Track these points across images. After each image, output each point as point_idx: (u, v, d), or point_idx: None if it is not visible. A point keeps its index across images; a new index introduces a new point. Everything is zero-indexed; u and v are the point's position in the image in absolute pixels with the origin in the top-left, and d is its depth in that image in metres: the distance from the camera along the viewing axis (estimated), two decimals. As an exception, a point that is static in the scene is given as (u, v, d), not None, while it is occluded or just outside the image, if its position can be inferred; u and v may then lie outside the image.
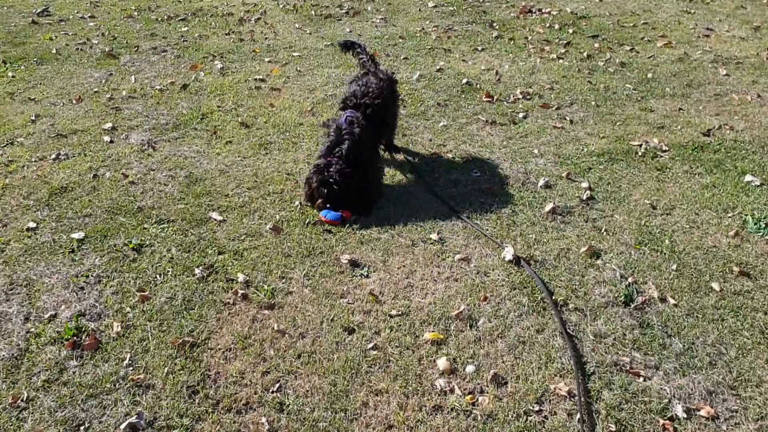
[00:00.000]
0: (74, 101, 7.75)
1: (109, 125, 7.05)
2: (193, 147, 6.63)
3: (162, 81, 8.32)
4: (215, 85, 8.18)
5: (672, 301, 4.33)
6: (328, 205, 5.38)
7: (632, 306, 4.26)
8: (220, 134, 6.90)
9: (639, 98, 7.76)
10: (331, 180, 5.27)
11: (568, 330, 4.02)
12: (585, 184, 5.85)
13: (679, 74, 8.48)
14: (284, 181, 5.94)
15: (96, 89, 8.08)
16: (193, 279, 4.53)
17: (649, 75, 8.41)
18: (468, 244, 5.00)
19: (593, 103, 7.55)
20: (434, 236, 5.09)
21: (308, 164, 6.01)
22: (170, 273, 4.61)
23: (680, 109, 7.47)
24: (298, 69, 8.75)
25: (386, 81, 6.04)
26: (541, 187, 5.85)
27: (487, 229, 5.16)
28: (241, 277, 4.54)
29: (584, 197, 5.60)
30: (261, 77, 8.45)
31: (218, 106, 7.54)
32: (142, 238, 5.09)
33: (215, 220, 5.34)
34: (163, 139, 6.81)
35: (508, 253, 4.73)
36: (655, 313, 4.22)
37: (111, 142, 6.75)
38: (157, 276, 4.59)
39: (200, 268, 4.64)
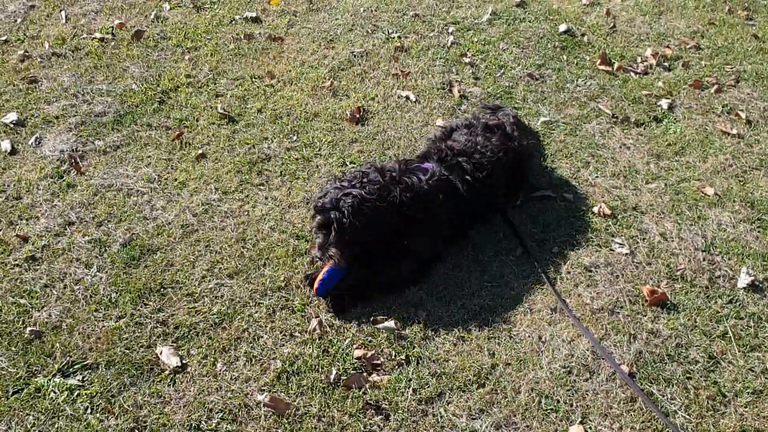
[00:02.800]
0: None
1: (13, 116, 4.30)
2: (143, 169, 4.03)
3: (106, 21, 5.43)
4: (185, 31, 5.36)
5: None
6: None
7: None
8: (188, 138, 4.24)
9: None
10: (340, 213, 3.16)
11: None
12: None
13: None
14: (290, 255, 3.46)
15: (4, 36, 5.21)
16: None
17: None
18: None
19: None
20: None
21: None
22: None
23: None
24: (310, -3, 5.81)
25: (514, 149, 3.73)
26: (742, 289, 3.24)
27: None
28: None
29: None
30: (253, 15, 5.55)
31: (187, 76, 4.77)
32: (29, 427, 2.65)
33: (167, 368, 2.90)
34: (95, 150, 4.15)
35: None
36: None
37: (11, 153, 4.05)
38: None
39: None
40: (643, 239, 3.60)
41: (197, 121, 4.43)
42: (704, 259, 3.47)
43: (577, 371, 2.96)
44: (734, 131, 4.42)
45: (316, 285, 3.20)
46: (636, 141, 4.34)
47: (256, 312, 3.21)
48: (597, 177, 4.04)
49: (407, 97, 4.69)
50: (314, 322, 3.13)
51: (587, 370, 2.96)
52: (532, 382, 2.91)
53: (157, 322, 3.15)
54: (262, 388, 2.88)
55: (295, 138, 4.31)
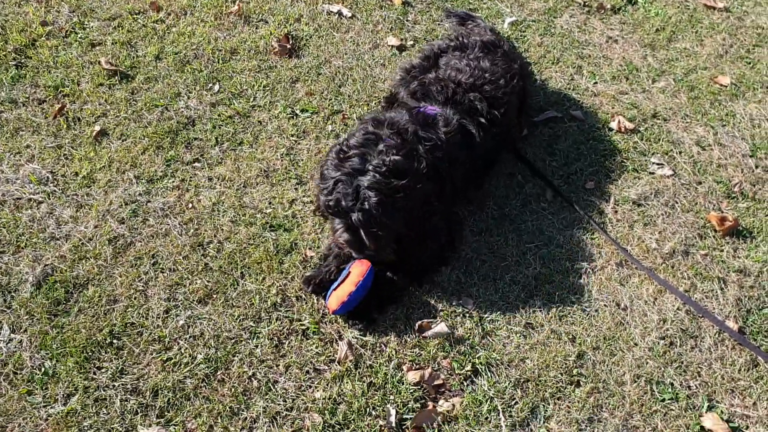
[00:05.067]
0: None
1: None
2: (25, 166, 3.06)
3: None
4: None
5: None
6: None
7: None
8: (74, 111, 3.24)
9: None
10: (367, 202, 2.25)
11: None
12: None
13: None
14: (272, 255, 2.73)
15: None
16: None
17: None
18: None
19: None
20: None
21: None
22: None
23: None
24: None
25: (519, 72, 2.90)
26: None
27: None
28: None
29: None
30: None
31: (44, 24, 3.56)
32: None
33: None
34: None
35: None
36: None
37: None
38: None
39: None
40: (680, 153, 3.03)
41: (78, 85, 3.26)
42: (756, 166, 2.97)
43: (679, 340, 2.40)
44: (720, 4, 3.88)
45: (335, 306, 2.36)
46: (621, 32, 3.70)
47: (257, 347, 2.35)
48: (596, 83, 3.38)
49: (339, 13, 3.74)
50: (343, 347, 2.33)
51: (689, 336, 2.41)
52: (633, 367, 2.32)
53: (126, 392, 2.23)
54: (309, 461, 2.08)
55: (216, 88, 3.28)
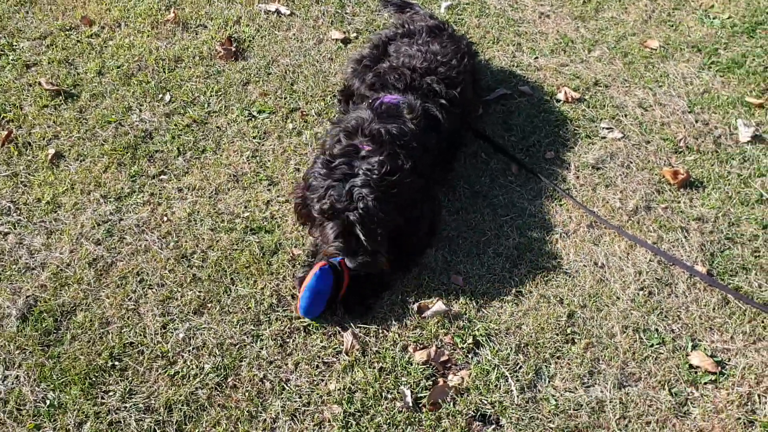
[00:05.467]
0: None
1: None
2: None
3: None
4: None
5: None
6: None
7: None
8: (22, 136, 3.14)
9: None
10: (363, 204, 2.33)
11: None
12: None
13: None
14: (258, 257, 2.73)
15: None
16: None
17: None
18: None
19: None
20: None
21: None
22: None
23: None
24: None
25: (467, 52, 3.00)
26: (748, 143, 3.11)
27: None
28: None
29: None
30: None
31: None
32: None
33: None
34: None
35: None
36: None
37: None
38: None
39: None
40: (626, 116, 3.23)
41: (21, 109, 3.16)
42: (696, 121, 3.20)
43: (656, 289, 2.58)
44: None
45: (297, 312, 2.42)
46: (551, 7, 3.89)
47: (262, 349, 2.38)
48: (537, 58, 3.55)
49: (277, 12, 3.75)
50: (348, 337, 2.38)
51: (664, 284, 2.60)
52: (620, 319, 2.48)
53: (139, 411, 2.21)
54: (334, 450, 2.13)
55: (168, 98, 3.25)
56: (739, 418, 2.25)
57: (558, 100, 3.29)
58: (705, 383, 2.34)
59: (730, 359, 2.41)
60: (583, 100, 3.29)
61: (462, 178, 2.95)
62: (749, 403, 2.29)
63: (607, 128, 3.16)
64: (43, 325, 2.41)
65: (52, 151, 2.97)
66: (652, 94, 3.34)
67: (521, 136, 3.13)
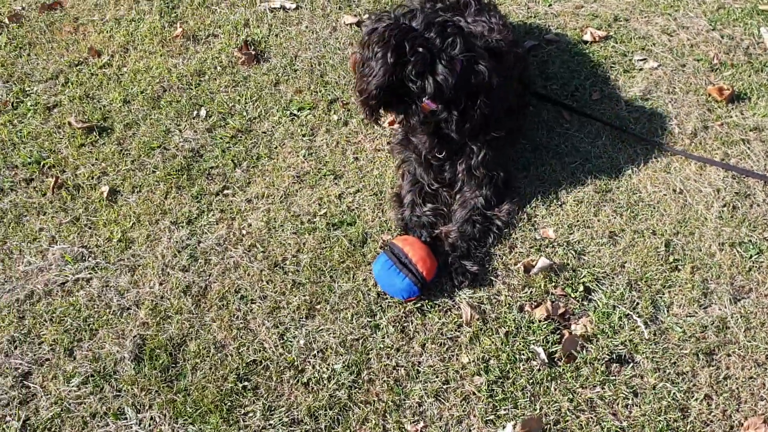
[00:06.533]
0: None
1: None
2: (52, 250, 2.85)
3: None
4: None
5: None
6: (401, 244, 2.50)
7: None
8: (70, 179, 3.07)
9: None
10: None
11: None
12: None
13: None
14: (349, 250, 2.73)
15: None
16: None
17: None
18: None
19: None
20: None
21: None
22: None
23: None
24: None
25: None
26: None
27: None
28: None
29: None
30: (-9, -14, 3.92)
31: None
32: None
33: None
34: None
35: None
36: None
37: None
38: None
39: None
40: (654, 45, 3.29)
41: (58, 153, 3.06)
42: (722, 36, 3.29)
43: (738, 203, 2.66)
44: None
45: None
46: None
47: (385, 338, 2.38)
48: (551, 5, 3.62)
49: (283, 8, 3.68)
50: (465, 308, 2.41)
51: (744, 197, 2.68)
52: (715, 237, 2.56)
53: (285, 426, 2.21)
54: (491, 419, 2.16)
55: (204, 113, 3.19)
56: None
57: (585, 42, 3.32)
58: (811, 281, 2.42)
59: (826, 253, 2.49)
60: (610, 37, 3.33)
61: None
62: None
63: (641, 59, 3.20)
64: (160, 362, 2.37)
65: (105, 188, 2.89)
66: (672, 19, 3.39)
67: (562, 83, 3.16)
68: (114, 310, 2.52)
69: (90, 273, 2.63)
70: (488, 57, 2.34)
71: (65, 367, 2.37)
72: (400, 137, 2.73)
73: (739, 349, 2.28)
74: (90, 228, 2.78)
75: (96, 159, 3.02)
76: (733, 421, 2.14)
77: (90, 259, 2.68)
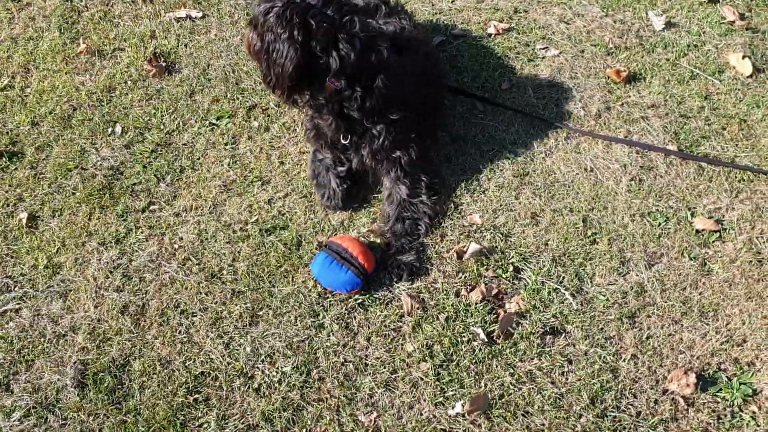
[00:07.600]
0: None
1: None
2: None
3: None
4: None
5: None
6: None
7: None
8: None
9: None
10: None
11: None
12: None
13: None
14: (284, 255, 2.74)
15: None
16: None
17: None
18: None
19: None
20: None
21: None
22: None
23: None
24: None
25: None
26: (663, 30, 3.49)
27: None
28: None
29: None
30: None
31: None
32: None
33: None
34: None
35: None
36: None
37: None
38: None
39: None
40: (554, 33, 3.48)
41: (-33, 182, 2.94)
42: (615, 22, 3.50)
43: (644, 175, 2.87)
44: None
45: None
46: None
47: (330, 336, 2.46)
48: (454, 1, 3.71)
49: (188, 17, 3.66)
50: (406, 299, 2.51)
51: (648, 169, 2.90)
52: (626, 210, 2.77)
53: (243, 434, 2.21)
54: (440, 401, 2.29)
55: (119, 130, 3.15)
56: (751, 261, 2.58)
57: (490, 35, 3.48)
58: (713, 242, 2.66)
59: (724, 216, 2.74)
60: (512, 29, 3.50)
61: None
62: (753, 246, 2.63)
63: (543, 48, 3.39)
64: (105, 385, 2.35)
65: (23, 214, 2.81)
66: (567, 8, 3.60)
67: (473, 75, 3.29)
68: (49, 338, 2.46)
69: (18, 303, 2.56)
70: (387, 39, 2.44)
71: (3, 402, 2.29)
72: (308, 126, 2.77)
73: (657, 310, 2.47)
74: (12, 257, 2.69)
75: (9, 185, 2.92)
76: (659, 376, 2.32)
77: (16, 289, 2.60)
